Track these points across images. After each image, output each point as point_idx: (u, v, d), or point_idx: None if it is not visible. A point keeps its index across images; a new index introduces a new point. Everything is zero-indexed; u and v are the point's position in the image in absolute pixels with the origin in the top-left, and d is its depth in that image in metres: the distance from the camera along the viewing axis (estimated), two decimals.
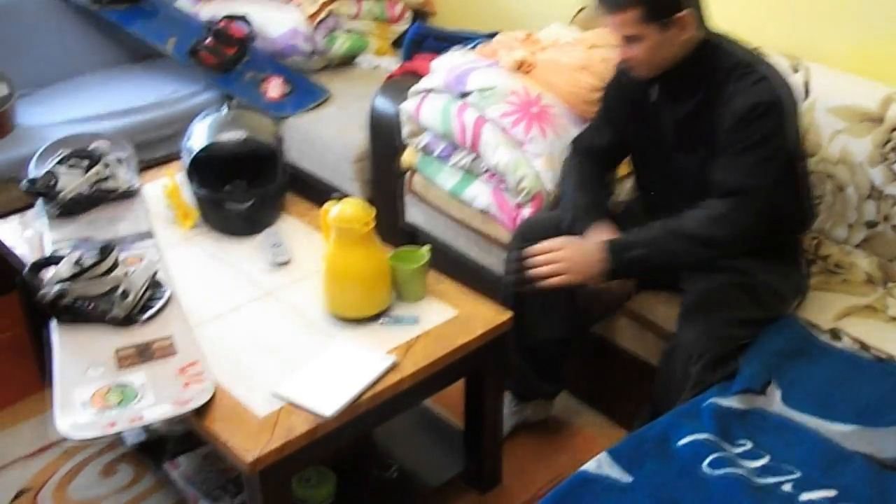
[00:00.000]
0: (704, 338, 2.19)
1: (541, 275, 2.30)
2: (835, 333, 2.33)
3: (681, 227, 2.24)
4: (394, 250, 2.42)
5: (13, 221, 2.79)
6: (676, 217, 2.26)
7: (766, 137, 2.19)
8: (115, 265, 2.31)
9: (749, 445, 1.94)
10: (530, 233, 2.54)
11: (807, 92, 2.75)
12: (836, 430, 1.98)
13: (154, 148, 3.60)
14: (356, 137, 3.45)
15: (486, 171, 2.92)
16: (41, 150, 2.93)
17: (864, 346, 2.28)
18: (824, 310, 2.43)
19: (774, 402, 2.07)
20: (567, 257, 2.28)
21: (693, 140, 2.33)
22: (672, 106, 2.36)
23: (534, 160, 2.73)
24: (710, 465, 1.86)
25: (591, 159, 2.58)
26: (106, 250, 2.33)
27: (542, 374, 2.70)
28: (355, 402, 2.05)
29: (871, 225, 2.65)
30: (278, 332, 2.29)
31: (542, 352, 2.64)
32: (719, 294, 2.26)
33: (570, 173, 2.59)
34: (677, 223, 2.25)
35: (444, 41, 3.54)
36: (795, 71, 2.79)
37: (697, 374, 2.17)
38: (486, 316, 2.33)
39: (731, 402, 2.04)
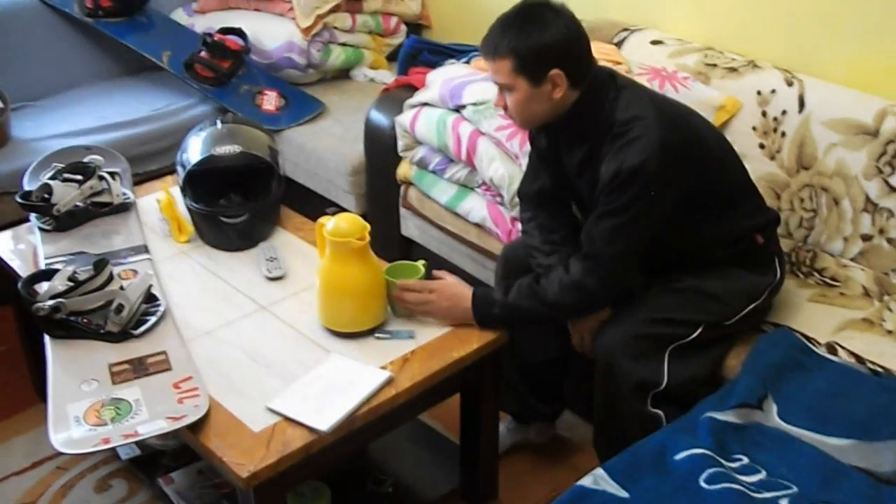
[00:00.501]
0: (620, 334, 2.27)
1: (411, 311, 2.35)
2: (831, 347, 2.33)
3: (540, 293, 2.30)
4: (389, 265, 2.41)
5: (7, 235, 2.78)
6: (542, 279, 2.32)
7: (626, 205, 2.19)
8: (109, 279, 2.31)
9: (746, 460, 1.93)
10: (514, 257, 2.58)
11: (802, 105, 2.76)
12: (833, 445, 1.97)
13: (149, 161, 3.60)
14: (351, 151, 3.45)
15: (482, 184, 2.93)
16: (35, 163, 2.93)
17: (861, 360, 2.28)
18: (821, 323, 2.43)
19: (771, 416, 2.06)
20: (435, 303, 2.32)
21: (586, 186, 2.34)
22: (567, 156, 2.38)
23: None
24: (707, 479, 1.85)
25: (541, 209, 2.55)
26: (100, 265, 2.32)
27: (540, 396, 2.69)
28: (351, 417, 2.05)
29: (866, 238, 2.65)
30: (273, 346, 2.28)
31: (539, 373, 2.63)
32: (644, 297, 2.35)
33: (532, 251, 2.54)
34: (538, 291, 2.30)
35: (439, 54, 3.54)
36: (790, 85, 2.79)
37: (625, 372, 2.23)
38: (481, 330, 2.33)
39: (728, 416, 2.04)
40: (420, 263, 2.42)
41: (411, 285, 2.34)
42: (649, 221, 2.23)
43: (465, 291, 2.34)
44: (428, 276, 2.40)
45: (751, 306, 2.36)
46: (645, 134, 2.18)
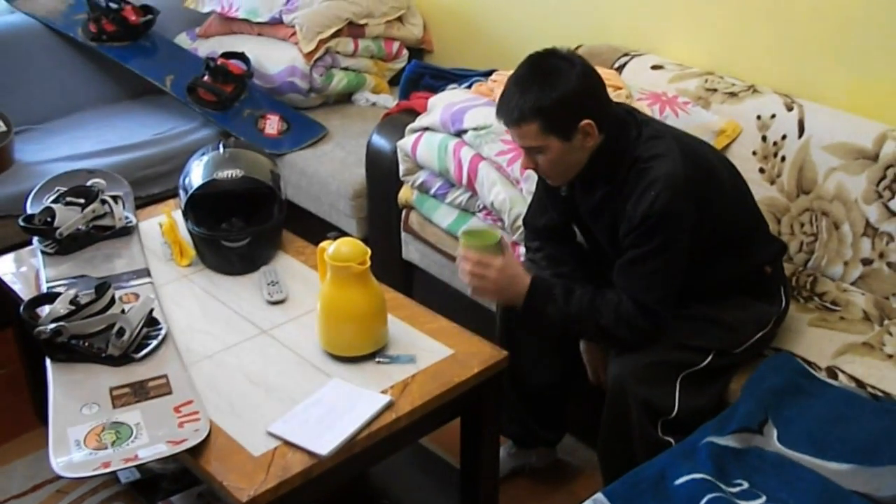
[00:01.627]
0: (633, 360, 2.25)
1: (464, 281, 2.33)
2: (832, 371, 2.33)
3: (596, 313, 2.26)
4: (465, 227, 2.35)
5: (9, 258, 2.79)
6: (600, 298, 2.27)
7: (660, 247, 2.19)
8: (111, 303, 2.31)
9: (746, 485, 1.93)
10: None
11: (802, 130, 2.76)
12: (833, 470, 1.97)
13: (151, 185, 3.61)
14: (353, 174, 3.47)
15: (483, 209, 2.93)
16: (38, 186, 2.94)
17: (861, 384, 2.28)
18: (822, 347, 2.43)
19: (771, 441, 2.06)
20: (493, 279, 2.29)
21: (604, 223, 2.34)
22: (582, 197, 2.37)
23: (530, 198, 2.73)
24: None
25: (549, 241, 2.57)
26: (102, 288, 2.33)
27: (541, 421, 2.69)
28: (351, 442, 2.04)
29: (866, 262, 2.65)
30: (274, 370, 2.28)
31: (540, 397, 2.63)
32: None
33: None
34: (596, 308, 2.26)
35: (440, 79, 3.56)
36: (790, 109, 2.80)
37: (638, 399, 2.21)
38: (482, 355, 2.33)
39: (728, 440, 2.04)
40: (497, 232, 2.37)
41: (471, 256, 2.29)
42: (681, 258, 2.22)
43: (523, 275, 2.31)
44: (432, 300, 2.40)
45: (759, 334, 2.37)
46: (670, 172, 2.16)
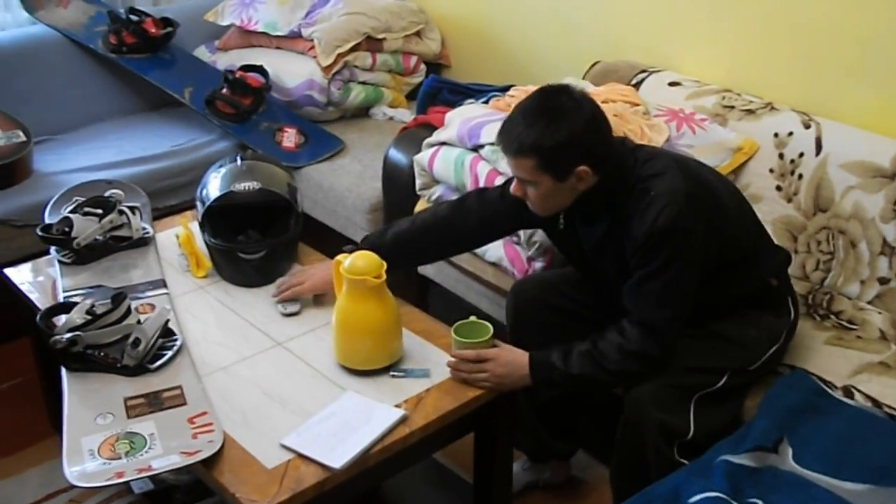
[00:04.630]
0: (650, 383, 2.22)
1: (465, 380, 2.28)
2: (848, 390, 2.32)
3: (600, 362, 2.23)
4: (457, 323, 2.36)
5: (27, 267, 2.81)
6: (599, 345, 2.24)
7: (665, 265, 2.16)
8: (126, 313, 2.32)
9: None
10: (523, 296, 2.58)
11: (819, 147, 2.76)
12: (849, 490, 1.96)
13: (168, 196, 3.63)
14: (370, 188, 3.47)
15: None
16: (57, 196, 2.97)
17: (878, 404, 2.27)
18: (838, 366, 2.41)
19: (786, 459, 2.05)
20: (493, 371, 2.26)
21: (609, 255, 2.32)
22: (584, 228, 2.35)
23: None
24: None
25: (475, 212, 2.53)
26: (118, 299, 2.33)
27: (554, 432, 2.68)
28: (364, 455, 2.04)
29: (883, 281, 2.64)
30: (288, 383, 2.29)
31: (553, 409, 2.62)
32: None
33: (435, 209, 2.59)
34: (597, 359, 2.23)
35: (458, 94, 3.57)
36: (807, 127, 2.80)
37: (655, 423, 2.19)
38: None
39: (743, 459, 2.03)
40: (488, 325, 2.35)
41: (467, 355, 2.28)
42: (692, 274, 2.20)
43: (521, 358, 2.29)
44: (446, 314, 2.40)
45: (772, 350, 2.35)
46: (670, 189, 2.16)
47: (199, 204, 2.73)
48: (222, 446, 2.04)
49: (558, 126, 2.13)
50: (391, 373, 2.30)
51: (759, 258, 2.39)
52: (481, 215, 2.52)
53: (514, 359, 2.29)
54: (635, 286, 2.22)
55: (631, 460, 2.28)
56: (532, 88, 3.08)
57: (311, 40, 3.90)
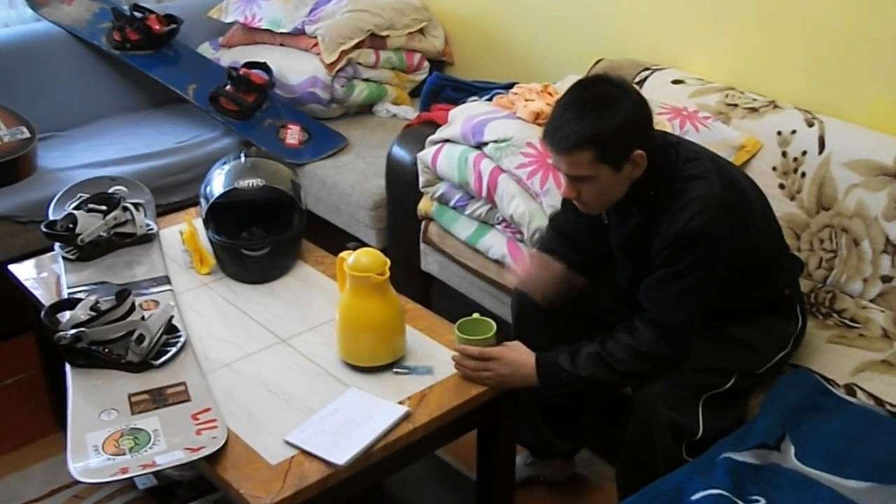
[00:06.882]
0: (661, 382, 2.22)
1: (469, 378, 2.28)
2: (850, 388, 2.32)
3: (610, 363, 2.22)
4: (458, 321, 2.35)
5: (31, 263, 2.81)
6: (609, 345, 2.23)
7: (690, 268, 2.15)
8: (131, 310, 2.33)
9: (763, 501, 1.92)
10: (525, 295, 2.54)
11: (822, 146, 2.76)
12: (851, 487, 1.96)
13: (172, 193, 3.63)
14: (373, 185, 3.48)
15: (502, 221, 2.94)
16: (61, 193, 2.97)
17: (880, 402, 2.27)
18: (840, 364, 2.41)
19: (788, 457, 2.05)
20: (497, 370, 2.25)
21: (635, 253, 2.31)
22: (617, 221, 2.33)
23: (549, 211, 2.74)
24: None
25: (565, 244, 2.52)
26: (122, 295, 2.34)
27: (558, 432, 2.68)
28: (368, 452, 2.05)
29: (886, 279, 2.64)
30: (292, 379, 2.29)
31: (556, 407, 2.62)
32: None
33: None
34: (607, 361, 2.22)
35: (461, 91, 3.57)
36: (811, 125, 2.80)
37: (665, 422, 2.19)
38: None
39: (745, 457, 2.03)
40: (492, 322, 2.35)
41: (471, 352, 2.28)
42: (713, 281, 2.19)
43: (527, 358, 2.29)
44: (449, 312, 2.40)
45: (780, 355, 2.36)
46: (709, 193, 2.14)
47: (202, 201, 2.74)
48: (226, 442, 2.05)
49: (612, 112, 2.09)
50: (394, 370, 2.31)
51: (780, 267, 2.39)
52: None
53: (518, 358, 2.29)
54: (655, 283, 2.22)
55: (640, 459, 2.27)
56: (536, 86, 3.11)
57: (315, 37, 3.90)
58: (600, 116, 2.09)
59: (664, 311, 2.20)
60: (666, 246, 2.17)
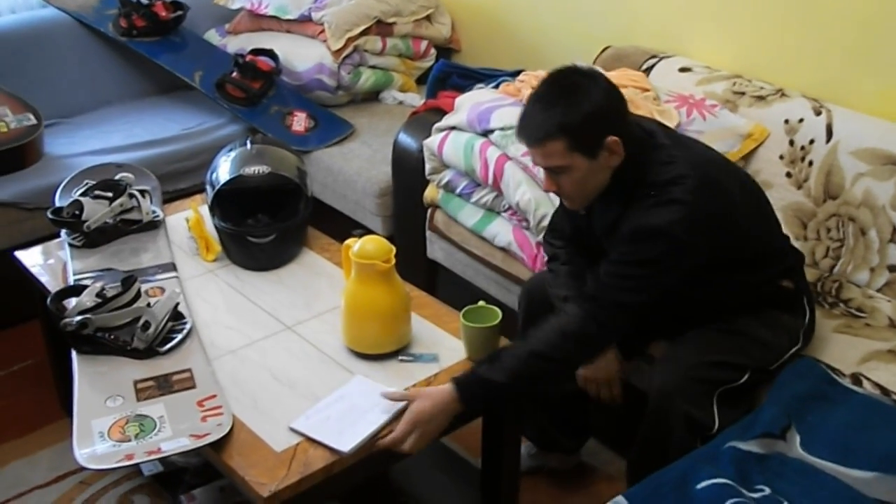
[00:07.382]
0: (678, 376, 2.21)
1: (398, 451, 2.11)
2: (856, 378, 2.32)
3: (540, 352, 2.12)
4: (464, 309, 2.32)
5: (37, 250, 2.82)
6: (534, 335, 2.15)
7: (640, 262, 2.12)
8: (136, 297, 2.33)
9: (767, 491, 1.92)
10: (536, 288, 2.55)
11: (830, 134, 2.75)
12: (856, 477, 1.96)
13: (178, 179, 3.63)
14: (379, 173, 3.47)
15: (508, 208, 2.93)
16: (67, 179, 2.97)
17: (886, 392, 2.27)
18: (846, 354, 2.41)
19: (794, 447, 2.05)
20: (414, 409, 2.08)
21: (613, 245, 2.27)
22: (598, 214, 2.30)
23: (555, 199, 2.73)
24: None
25: (571, 243, 2.50)
26: (128, 282, 2.35)
27: (562, 429, 2.68)
28: (373, 439, 2.05)
29: (893, 269, 2.64)
30: (297, 366, 2.30)
31: (561, 405, 2.62)
32: (697, 338, 2.28)
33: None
34: (535, 349, 2.12)
35: (468, 78, 3.57)
36: (818, 114, 2.79)
37: (682, 415, 2.18)
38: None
39: (751, 446, 2.03)
40: (497, 310, 2.32)
41: (392, 394, 2.14)
42: (666, 280, 2.15)
43: (440, 390, 2.11)
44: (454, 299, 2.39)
45: (792, 351, 2.35)
46: (679, 199, 2.10)
47: (208, 187, 2.74)
48: (231, 429, 2.05)
49: (579, 100, 2.08)
50: (400, 357, 2.31)
51: (773, 257, 2.37)
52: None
53: (434, 390, 2.13)
54: (606, 265, 2.18)
55: (654, 451, 2.25)
56: (542, 73, 3.09)
57: (322, 24, 3.90)
58: (568, 104, 2.07)
59: (604, 289, 2.14)
60: (622, 238, 2.15)
